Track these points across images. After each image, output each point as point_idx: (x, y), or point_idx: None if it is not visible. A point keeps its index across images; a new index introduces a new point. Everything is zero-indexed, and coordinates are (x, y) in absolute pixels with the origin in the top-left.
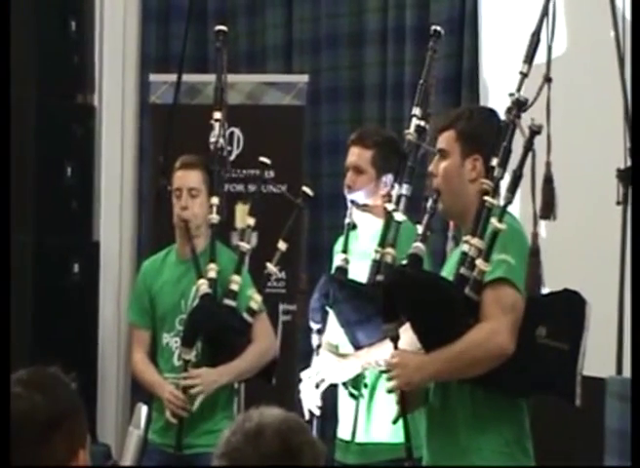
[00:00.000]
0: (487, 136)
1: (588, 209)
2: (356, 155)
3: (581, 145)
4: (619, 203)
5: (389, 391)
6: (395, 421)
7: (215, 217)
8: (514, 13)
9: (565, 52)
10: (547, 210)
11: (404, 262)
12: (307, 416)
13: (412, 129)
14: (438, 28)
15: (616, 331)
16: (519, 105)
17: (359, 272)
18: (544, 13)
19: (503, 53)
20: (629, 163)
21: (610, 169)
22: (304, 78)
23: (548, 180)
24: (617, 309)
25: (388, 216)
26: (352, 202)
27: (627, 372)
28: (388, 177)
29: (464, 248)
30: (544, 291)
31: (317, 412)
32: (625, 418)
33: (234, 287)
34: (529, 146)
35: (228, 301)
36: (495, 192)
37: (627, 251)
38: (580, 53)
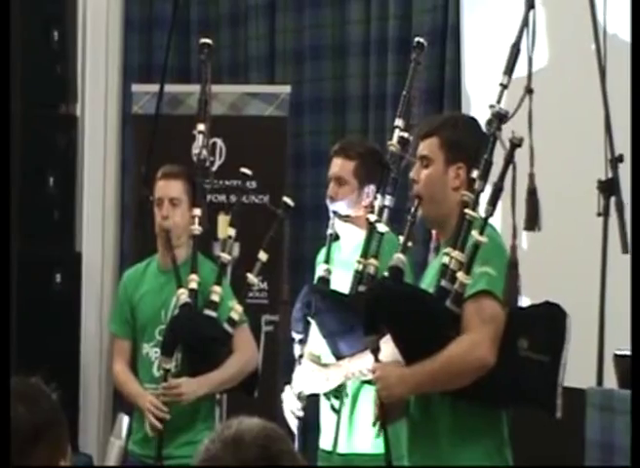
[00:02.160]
0: (471, 144)
1: (569, 220)
2: (339, 166)
3: (562, 157)
4: (599, 214)
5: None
6: (377, 436)
7: (197, 228)
8: (496, 24)
9: (547, 64)
10: (532, 221)
11: (385, 274)
12: (294, 427)
13: (395, 140)
14: (421, 40)
15: (596, 342)
16: (499, 118)
17: (341, 283)
18: (524, 24)
19: (486, 64)
20: (610, 174)
21: (591, 180)
22: (287, 89)
23: (532, 192)
24: (597, 320)
25: (371, 227)
26: (334, 212)
27: (608, 383)
28: (371, 188)
29: (445, 259)
30: (524, 303)
31: (298, 423)
32: (606, 429)
33: (215, 297)
34: (509, 159)
35: (209, 312)
36: (475, 204)
37: (608, 262)
38: (562, 65)
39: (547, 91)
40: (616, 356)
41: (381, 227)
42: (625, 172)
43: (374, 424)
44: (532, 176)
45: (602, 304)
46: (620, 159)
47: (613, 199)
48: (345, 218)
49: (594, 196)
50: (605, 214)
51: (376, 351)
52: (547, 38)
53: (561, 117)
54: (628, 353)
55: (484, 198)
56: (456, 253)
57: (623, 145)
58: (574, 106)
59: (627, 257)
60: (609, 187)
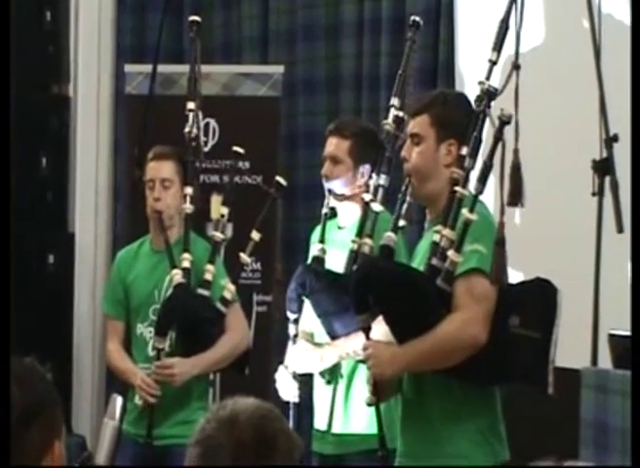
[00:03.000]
0: (461, 121)
1: (564, 199)
2: (334, 145)
3: (557, 136)
4: (594, 194)
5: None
6: (369, 404)
7: (189, 207)
8: (490, 3)
9: (541, 43)
10: (515, 196)
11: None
12: (285, 407)
13: (390, 119)
14: (417, 19)
15: (591, 322)
16: (489, 94)
17: (336, 262)
18: (513, 0)
19: (479, 44)
20: (605, 154)
21: (585, 159)
22: (280, 69)
23: (516, 168)
24: (592, 300)
25: (366, 207)
26: (330, 191)
27: (602, 363)
28: (366, 168)
29: (435, 238)
30: (515, 280)
31: (295, 400)
32: (600, 409)
33: (208, 276)
34: (499, 136)
35: (202, 291)
36: (465, 181)
37: (603, 241)
38: (557, 44)
39: (542, 70)
40: (610, 336)
41: (376, 206)
42: (620, 151)
43: (367, 403)
44: (516, 152)
45: (597, 284)
46: (615, 138)
47: (607, 178)
48: (340, 197)
49: (589, 175)
50: (600, 193)
51: (367, 330)
52: (543, 17)
53: (555, 96)
54: (623, 333)
55: (474, 176)
56: (446, 232)
57: (618, 125)
58: (568, 85)
59: (622, 237)
60: (603, 167)
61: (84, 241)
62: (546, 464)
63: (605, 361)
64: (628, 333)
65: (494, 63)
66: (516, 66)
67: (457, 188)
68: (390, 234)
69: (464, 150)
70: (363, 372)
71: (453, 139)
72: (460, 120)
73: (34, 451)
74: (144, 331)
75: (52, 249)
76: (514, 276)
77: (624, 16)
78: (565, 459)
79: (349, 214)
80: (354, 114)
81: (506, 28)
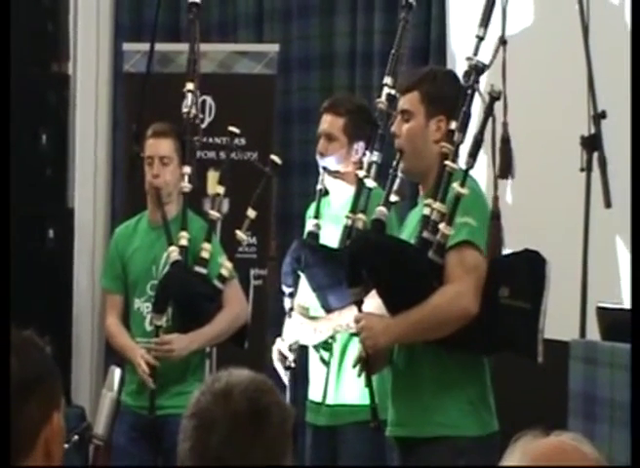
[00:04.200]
0: (450, 97)
1: (553, 174)
2: (328, 122)
3: (548, 113)
4: (582, 169)
5: (358, 359)
6: (359, 375)
7: (187, 186)
8: None
9: (532, 24)
10: (505, 170)
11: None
12: (279, 379)
13: (383, 97)
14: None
15: (579, 295)
16: (477, 70)
17: (331, 237)
18: None
19: (471, 22)
20: (593, 130)
21: (574, 136)
22: (275, 47)
23: (505, 141)
24: (580, 273)
25: (359, 183)
26: (324, 168)
27: (590, 335)
28: (360, 145)
29: (425, 211)
30: (506, 251)
31: (289, 375)
32: (588, 381)
33: (205, 254)
34: (489, 112)
35: (199, 269)
36: (455, 156)
37: (590, 215)
38: (547, 24)
39: (532, 48)
40: (598, 308)
41: (370, 183)
42: (608, 127)
43: (359, 374)
44: (505, 125)
45: (585, 258)
46: (603, 115)
47: (595, 154)
48: (335, 174)
49: (577, 151)
50: (588, 168)
51: (359, 303)
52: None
53: (544, 74)
54: (611, 305)
55: (464, 150)
56: (437, 205)
57: (606, 102)
58: (557, 64)
59: (609, 211)
60: (592, 143)
61: (83, 216)
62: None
63: (593, 333)
64: (616, 306)
65: (481, 39)
66: (503, 41)
67: (446, 162)
68: (382, 208)
69: (453, 125)
70: (356, 345)
71: (442, 116)
72: (449, 96)
73: (33, 423)
74: (142, 305)
75: (51, 224)
76: (507, 250)
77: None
78: (553, 430)
79: (341, 191)
80: (348, 91)
81: (493, 4)
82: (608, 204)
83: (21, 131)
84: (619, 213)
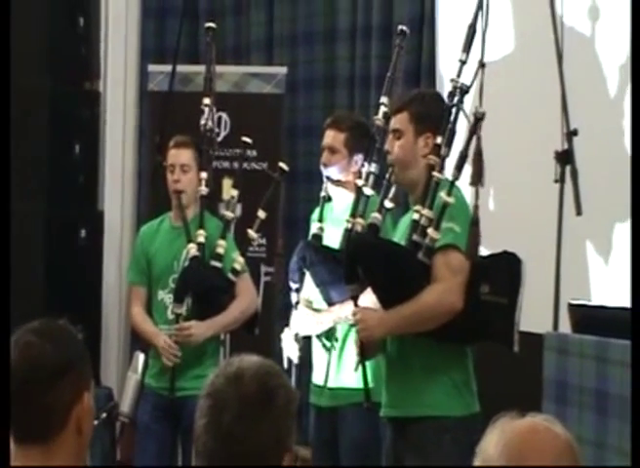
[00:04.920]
0: (436, 116)
1: (531, 185)
2: (331, 137)
3: (525, 131)
4: (556, 181)
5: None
6: (356, 369)
7: (204, 190)
8: (468, 13)
9: (512, 51)
10: (477, 177)
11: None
12: (286, 364)
13: (380, 115)
14: (404, 28)
15: (553, 293)
16: (460, 91)
17: (333, 239)
18: (479, 7)
19: (458, 49)
20: (566, 146)
21: (549, 151)
22: (283, 70)
23: (478, 153)
24: (554, 274)
25: (358, 191)
26: (327, 177)
27: (563, 329)
28: (359, 157)
29: (415, 216)
30: (487, 253)
31: (296, 361)
32: (561, 369)
33: (220, 250)
34: (473, 131)
35: (215, 263)
36: (441, 167)
37: (563, 222)
38: (526, 52)
39: (511, 74)
40: (569, 305)
41: (368, 191)
42: (579, 143)
43: (356, 368)
44: (479, 140)
45: (558, 260)
46: (575, 132)
47: (568, 167)
48: (337, 183)
49: (552, 165)
50: (561, 180)
51: (356, 298)
52: (513, 28)
53: (524, 96)
54: (580, 302)
55: (450, 163)
56: (425, 211)
57: (577, 120)
58: (536, 87)
59: (580, 219)
60: (564, 157)
61: (112, 218)
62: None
63: (565, 327)
64: (585, 303)
65: (463, 63)
66: (482, 65)
67: (433, 173)
68: (376, 214)
69: (439, 139)
70: (355, 335)
71: (429, 133)
72: (435, 115)
73: (66, 401)
74: (165, 296)
75: (83, 225)
76: (488, 252)
77: (584, 25)
78: (529, 412)
79: (342, 198)
80: (348, 109)
81: (474, 32)
82: (579, 212)
83: (57, 142)
84: (588, 220)
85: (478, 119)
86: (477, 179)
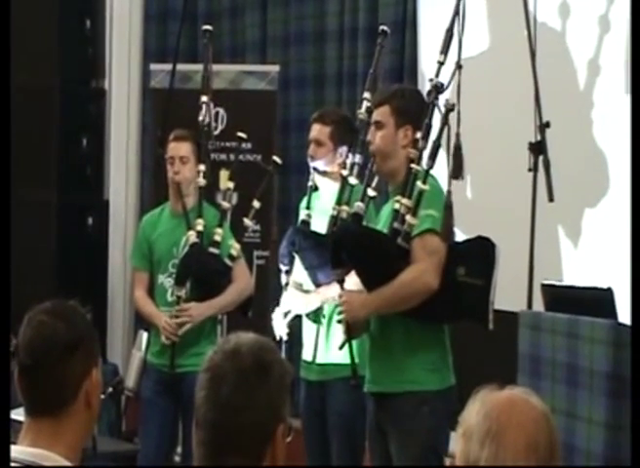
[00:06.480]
0: (416, 111)
1: (506, 174)
2: (317, 130)
3: (500, 124)
4: (530, 170)
5: (339, 321)
6: (341, 347)
7: (202, 181)
8: (447, 16)
9: (487, 48)
10: (457, 171)
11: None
12: (283, 341)
13: (363, 109)
14: (385, 28)
15: (527, 275)
16: (437, 89)
17: (320, 225)
18: (456, 12)
19: (438, 49)
20: (538, 137)
21: (523, 142)
22: (276, 68)
23: (457, 148)
24: (528, 256)
25: (344, 181)
26: (314, 169)
27: (536, 307)
28: (344, 149)
29: (396, 206)
30: (463, 238)
31: (285, 338)
32: (534, 345)
33: (217, 237)
34: (444, 121)
35: (213, 249)
36: (419, 160)
37: (537, 208)
38: (500, 49)
39: (487, 70)
40: (542, 285)
41: (352, 180)
42: (551, 135)
43: (340, 348)
44: (458, 136)
45: (532, 243)
46: (547, 125)
47: (541, 158)
48: (323, 173)
49: (525, 155)
50: (534, 169)
51: (341, 282)
52: (488, 26)
53: (500, 91)
54: (553, 282)
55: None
56: (405, 201)
57: (549, 113)
58: (510, 82)
59: (552, 205)
60: (537, 148)
61: (117, 206)
62: (492, 387)
63: (538, 305)
64: (557, 283)
65: (441, 64)
66: (459, 66)
67: (412, 165)
68: (360, 204)
69: (418, 134)
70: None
71: (409, 125)
72: (414, 110)
73: (77, 375)
74: (165, 280)
75: (90, 213)
76: (466, 237)
77: (555, 22)
78: (506, 385)
79: (328, 188)
80: (336, 105)
81: (451, 36)
82: (551, 198)
83: (66, 136)
84: (560, 206)
85: (448, 110)
86: (458, 173)
